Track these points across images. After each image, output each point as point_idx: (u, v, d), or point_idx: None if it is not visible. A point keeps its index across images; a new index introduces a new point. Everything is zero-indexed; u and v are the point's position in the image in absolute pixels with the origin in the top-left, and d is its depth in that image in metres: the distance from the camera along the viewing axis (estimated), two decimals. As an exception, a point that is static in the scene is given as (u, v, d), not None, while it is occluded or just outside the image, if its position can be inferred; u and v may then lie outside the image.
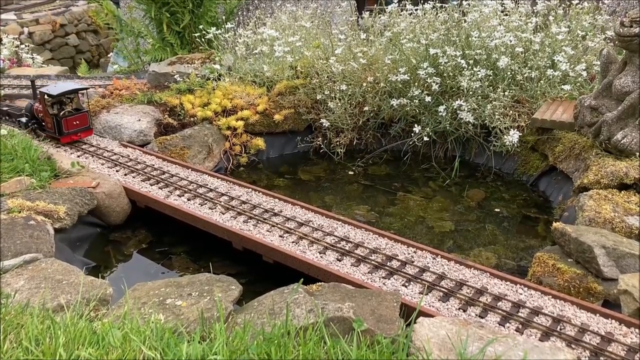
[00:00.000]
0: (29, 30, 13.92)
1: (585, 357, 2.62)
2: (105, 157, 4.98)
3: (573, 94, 5.31)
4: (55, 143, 5.20)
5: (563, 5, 6.32)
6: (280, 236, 3.77)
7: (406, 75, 5.60)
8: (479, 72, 5.30)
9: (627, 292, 2.86)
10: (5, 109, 5.78)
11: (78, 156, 5.01)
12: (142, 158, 5.00)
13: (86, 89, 5.40)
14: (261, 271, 3.79)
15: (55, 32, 14.37)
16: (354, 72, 5.89)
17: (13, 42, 10.21)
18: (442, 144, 5.65)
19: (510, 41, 5.52)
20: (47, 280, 2.87)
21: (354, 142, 5.82)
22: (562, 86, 5.31)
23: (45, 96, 5.04)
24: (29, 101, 5.48)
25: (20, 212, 3.68)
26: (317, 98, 5.84)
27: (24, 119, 5.40)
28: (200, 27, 7.43)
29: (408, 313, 2.72)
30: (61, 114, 5.06)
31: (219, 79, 6.24)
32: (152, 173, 4.67)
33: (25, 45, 10.81)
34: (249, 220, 3.96)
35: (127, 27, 9.13)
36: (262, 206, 4.11)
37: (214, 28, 6.88)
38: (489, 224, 4.47)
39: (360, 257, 3.47)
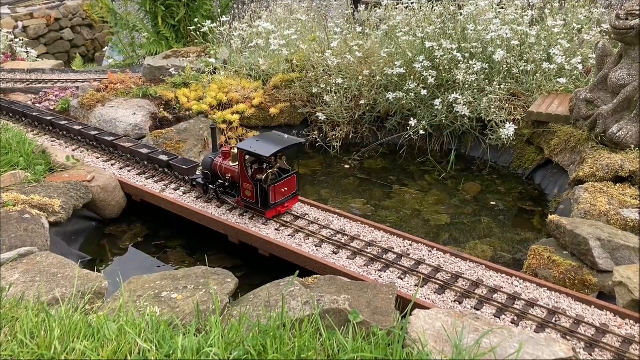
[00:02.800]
0: (23, 24, 13.83)
1: (580, 348, 2.62)
2: (100, 150, 4.96)
3: (569, 87, 5.31)
4: (251, 215, 3.94)
5: (559, -2, 6.32)
6: (276, 229, 3.76)
7: (402, 69, 5.59)
8: (474, 66, 5.29)
9: (622, 284, 2.87)
10: (164, 158, 4.47)
11: (73, 150, 4.99)
12: None
13: (301, 143, 3.95)
14: (257, 264, 3.78)
15: (49, 26, 14.27)
16: (349, 66, 5.87)
17: (7, 36, 10.15)
18: (438, 137, 5.64)
19: (506, 34, 5.52)
20: (42, 274, 2.86)
21: (350, 136, 5.82)
22: (558, 79, 5.32)
23: (246, 155, 3.71)
24: (207, 155, 4.11)
25: (15, 205, 3.67)
26: (313, 91, 5.82)
27: (200, 180, 4.08)
28: (196, 20, 7.41)
29: (404, 305, 2.73)
30: (266, 178, 3.71)
31: (215, 73, 6.22)
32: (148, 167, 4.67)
33: (20, 40, 10.74)
34: (245, 214, 3.95)
35: (122, 21, 9.08)
36: None
37: (210, 21, 6.85)
38: (485, 217, 4.48)
39: (356, 250, 3.47)
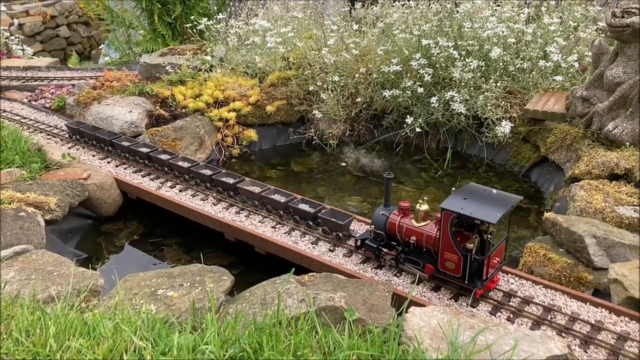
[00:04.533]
0: (19, 21, 13.78)
1: (575, 345, 2.63)
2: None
3: (565, 84, 5.32)
4: (247, 212, 3.92)
5: (555, -4, 6.32)
6: (273, 227, 3.76)
7: (399, 66, 5.59)
8: (471, 63, 5.29)
9: (617, 281, 2.88)
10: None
11: (69, 148, 4.97)
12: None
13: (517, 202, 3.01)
14: (253, 262, 3.78)
15: (45, 23, 14.22)
16: (346, 63, 5.87)
17: (3, 33, 10.11)
18: (434, 135, 5.65)
19: (503, 32, 5.52)
20: (38, 272, 2.86)
21: (347, 134, 5.81)
22: (554, 77, 5.32)
23: (452, 217, 2.88)
24: (378, 210, 3.30)
25: (10, 203, 3.66)
26: (310, 89, 5.82)
27: (371, 242, 3.29)
28: (192, 18, 7.38)
29: (400, 303, 2.72)
30: (480, 247, 2.98)
31: (211, 70, 6.21)
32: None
33: (15, 37, 10.71)
34: (241, 212, 3.95)
35: (118, 18, 9.05)
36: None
37: (206, 19, 6.84)
38: (481, 214, 4.47)
39: (352, 248, 3.47)
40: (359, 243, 3.38)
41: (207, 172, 4.26)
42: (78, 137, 5.12)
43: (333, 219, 3.58)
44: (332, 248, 3.50)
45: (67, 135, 5.22)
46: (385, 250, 3.24)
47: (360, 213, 4.26)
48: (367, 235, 3.35)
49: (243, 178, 4.20)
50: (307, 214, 3.72)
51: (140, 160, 4.67)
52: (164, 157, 4.53)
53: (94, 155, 4.84)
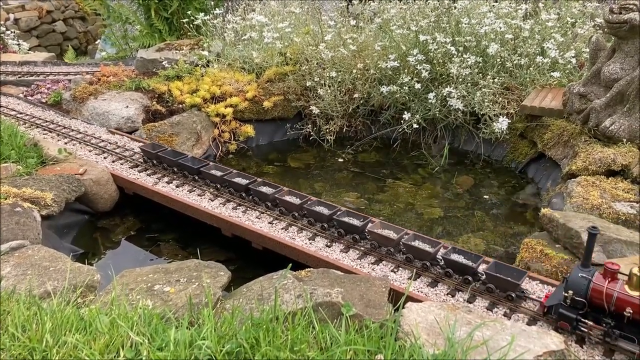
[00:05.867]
0: (15, 16, 13.71)
1: (571, 340, 2.64)
2: (92, 144, 4.93)
3: (562, 81, 5.32)
4: (244, 208, 3.89)
5: (553, -8, 6.32)
6: (270, 223, 3.76)
7: (396, 62, 5.58)
8: (468, 59, 5.29)
9: (613, 277, 2.88)
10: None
11: (65, 143, 4.96)
12: (130, 145, 4.96)
13: None
14: (250, 258, 3.78)
15: (41, 18, 14.15)
16: (343, 59, 5.86)
17: (-2, 28, 10.06)
18: (431, 131, 5.65)
19: (500, 28, 5.52)
20: (34, 267, 2.85)
21: (344, 130, 5.81)
22: (552, 73, 5.32)
23: None
24: (574, 270, 2.64)
25: (6, 198, 3.65)
26: (307, 85, 5.81)
27: (567, 311, 2.62)
28: (189, 13, 7.36)
29: (397, 298, 2.73)
30: None
31: (208, 66, 6.20)
32: (139, 160, 4.63)
33: (11, 32, 10.65)
34: (238, 207, 3.94)
35: (114, 13, 9.01)
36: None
37: (203, 14, 6.81)
38: (478, 210, 4.49)
39: (349, 243, 3.47)
40: (553, 311, 2.70)
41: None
42: (155, 162, 4.51)
43: (506, 278, 2.91)
44: (329, 244, 3.49)
45: (141, 160, 4.61)
46: (587, 322, 2.59)
47: (357, 209, 4.26)
48: (559, 300, 2.66)
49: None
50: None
51: (237, 193, 4.04)
52: (265, 189, 3.95)
53: (90, 151, 4.81)
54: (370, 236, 3.42)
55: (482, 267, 3.09)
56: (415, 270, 3.18)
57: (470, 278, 3.06)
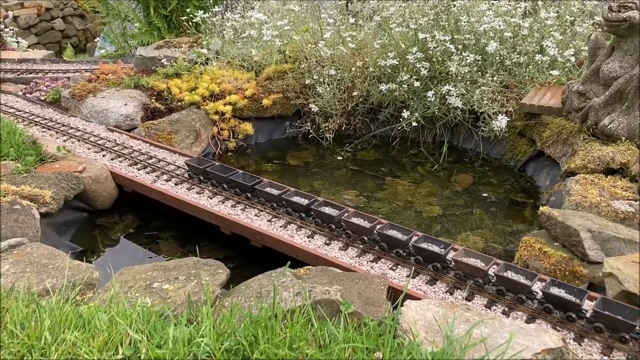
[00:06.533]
0: (14, 13, 13.68)
1: (570, 338, 2.64)
2: (91, 141, 4.92)
3: (561, 79, 5.33)
4: (243, 206, 3.85)
5: (552, -10, 6.32)
6: (269, 220, 3.76)
7: (395, 60, 5.58)
8: (467, 57, 5.29)
9: (611, 275, 2.89)
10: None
11: (64, 141, 4.95)
12: (129, 142, 4.96)
13: None
14: (249, 256, 3.78)
15: (40, 16, 14.13)
16: (342, 57, 5.86)
17: (-3, 25, 10.06)
18: (430, 129, 5.65)
19: (499, 26, 5.51)
20: (33, 265, 2.85)
21: (343, 127, 5.81)
22: (551, 71, 5.33)
23: None
24: None
25: (5, 196, 3.65)
26: (306, 83, 5.80)
27: None
28: (188, 10, 7.36)
29: (395, 296, 2.73)
30: None
31: (207, 63, 6.19)
32: (139, 158, 4.63)
33: (10, 29, 10.64)
34: (237, 205, 3.94)
35: (113, 11, 9.01)
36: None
37: (202, 11, 6.80)
38: (477, 208, 4.49)
39: (348, 241, 3.47)
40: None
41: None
42: (202, 178, 4.21)
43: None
44: (327, 242, 3.49)
45: (186, 175, 4.32)
46: None
47: (356, 207, 4.26)
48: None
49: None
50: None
51: (296, 214, 3.72)
52: (327, 210, 3.65)
53: (88, 149, 4.81)
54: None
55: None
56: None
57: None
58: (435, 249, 3.19)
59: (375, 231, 3.39)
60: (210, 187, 4.11)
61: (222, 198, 4.03)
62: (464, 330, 2.21)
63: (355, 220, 3.47)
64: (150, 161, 4.58)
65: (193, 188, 4.18)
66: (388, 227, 3.42)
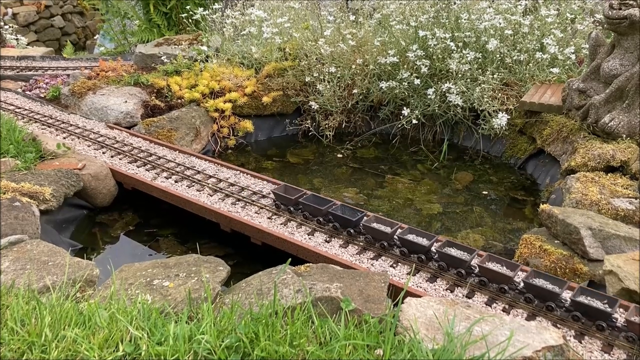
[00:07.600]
0: (13, 11, 13.66)
1: (570, 336, 2.64)
2: (91, 139, 4.92)
3: (561, 77, 5.32)
4: (243, 204, 3.74)
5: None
6: (269, 218, 3.75)
7: (395, 58, 5.58)
8: (468, 55, 5.29)
9: (612, 273, 2.89)
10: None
11: (64, 138, 4.95)
12: (129, 140, 4.95)
13: None
14: (249, 253, 3.78)
15: (40, 13, 14.11)
16: (343, 54, 5.85)
17: (-4, 22, 10.04)
18: (430, 127, 5.65)
19: (500, 24, 5.51)
20: (33, 262, 2.84)
21: (343, 125, 5.81)
22: (551, 69, 5.32)
23: None
24: None
25: (5, 193, 3.64)
26: (306, 80, 5.80)
27: None
28: (188, 7, 7.34)
29: (396, 293, 2.73)
30: None
31: (207, 61, 6.18)
32: (139, 155, 4.63)
33: (9, 26, 10.62)
34: (237, 202, 3.94)
35: (113, 8, 8.99)
36: (250, 188, 4.09)
37: (202, 9, 6.79)
38: (477, 206, 4.49)
39: (348, 239, 3.47)
40: None
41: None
42: (292, 209, 3.74)
43: None
44: (328, 239, 3.49)
45: (274, 207, 3.85)
46: None
47: (356, 204, 4.26)
48: None
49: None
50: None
51: (415, 257, 3.24)
52: (453, 252, 3.14)
53: (88, 146, 4.80)
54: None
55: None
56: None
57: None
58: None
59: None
60: (304, 220, 3.71)
61: (223, 196, 4.04)
62: (465, 327, 2.21)
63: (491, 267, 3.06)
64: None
65: (193, 185, 4.17)
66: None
